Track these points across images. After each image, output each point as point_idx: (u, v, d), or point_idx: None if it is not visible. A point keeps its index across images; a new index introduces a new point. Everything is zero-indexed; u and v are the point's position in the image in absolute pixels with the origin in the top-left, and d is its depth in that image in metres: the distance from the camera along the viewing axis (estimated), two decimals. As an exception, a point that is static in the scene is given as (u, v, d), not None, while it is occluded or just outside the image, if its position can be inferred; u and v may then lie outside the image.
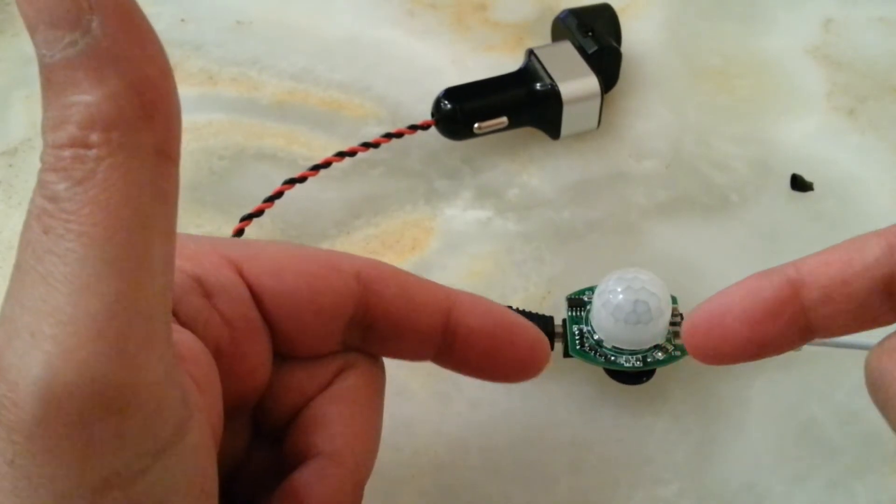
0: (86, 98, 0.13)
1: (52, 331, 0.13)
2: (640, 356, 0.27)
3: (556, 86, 0.34)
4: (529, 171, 0.36)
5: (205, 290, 0.18)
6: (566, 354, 0.28)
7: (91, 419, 0.13)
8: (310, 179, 0.33)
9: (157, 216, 0.14)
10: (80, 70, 0.13)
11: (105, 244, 0.13)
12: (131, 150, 0.14)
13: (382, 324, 0.20)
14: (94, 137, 0.13)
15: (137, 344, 0.14)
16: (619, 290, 0.27)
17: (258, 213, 0.32)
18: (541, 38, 0.40)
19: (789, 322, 0.19)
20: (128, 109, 0.14)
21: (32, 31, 0.14)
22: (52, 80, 0.14)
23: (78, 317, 0.13)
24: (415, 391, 0.29)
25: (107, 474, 0.14)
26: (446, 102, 0.34)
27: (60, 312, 0.13)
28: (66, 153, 0.13)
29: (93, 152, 0.13)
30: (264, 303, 0.19)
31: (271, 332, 0.20)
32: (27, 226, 0.14)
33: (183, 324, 0.18)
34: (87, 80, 0.13)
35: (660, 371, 0.28)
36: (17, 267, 0.14)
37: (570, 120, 0.35)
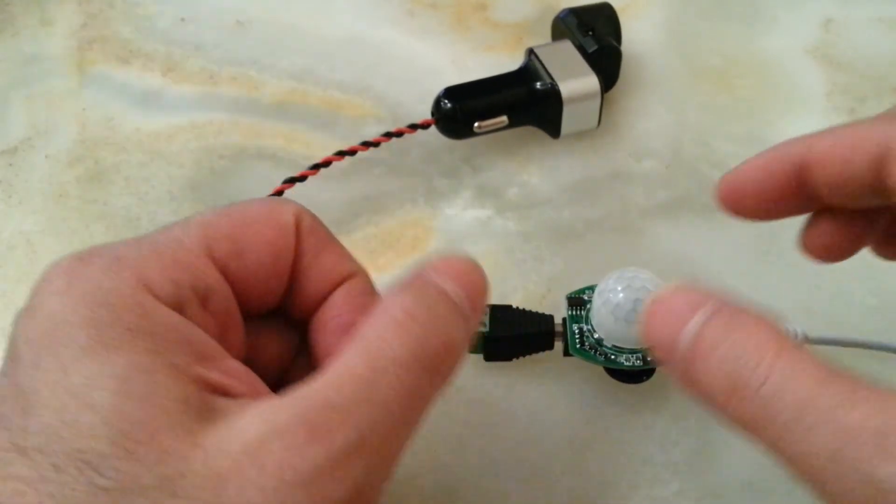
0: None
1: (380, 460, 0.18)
2: (640, 355, 0.27)
3: (557, 85, 0.34)
4: (529, 170, 0.36)
5: (199, 297, 0.20)
6: (566, 353, 0.28)
7: None
8: (310, 179, 0.33)
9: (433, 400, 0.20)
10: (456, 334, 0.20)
11: (406, 417, 0.19)
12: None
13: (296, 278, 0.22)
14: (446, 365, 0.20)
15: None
16: (619, 288, 0.27)
17: (258, 212, 0.32)
18: (541, 38, 0.40)
19: (794, 199, 0.22)
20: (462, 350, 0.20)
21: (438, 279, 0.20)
22: (432, 323, 0.19)
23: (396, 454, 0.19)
24: (415, 391, 0.29)
25: None
26: (446, 101, 0.34)
27: (384, 449, 0.18)
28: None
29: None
30: (234, 285, 0.21)
31: (238, 304, 0.21)
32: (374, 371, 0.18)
33: None
34: (456, 335, 0.20)
35: (660, 370, 0.28)
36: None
37: (570, 119, 0.35)
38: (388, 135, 0.34)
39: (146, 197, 0.36)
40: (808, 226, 0.24)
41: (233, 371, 0.19)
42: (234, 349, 0.21)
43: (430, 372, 0.19)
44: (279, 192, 0.32)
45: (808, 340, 0.28)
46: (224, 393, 0.18)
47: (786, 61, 0.40)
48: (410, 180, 0.36)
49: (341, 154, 0.34)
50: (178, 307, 0.19)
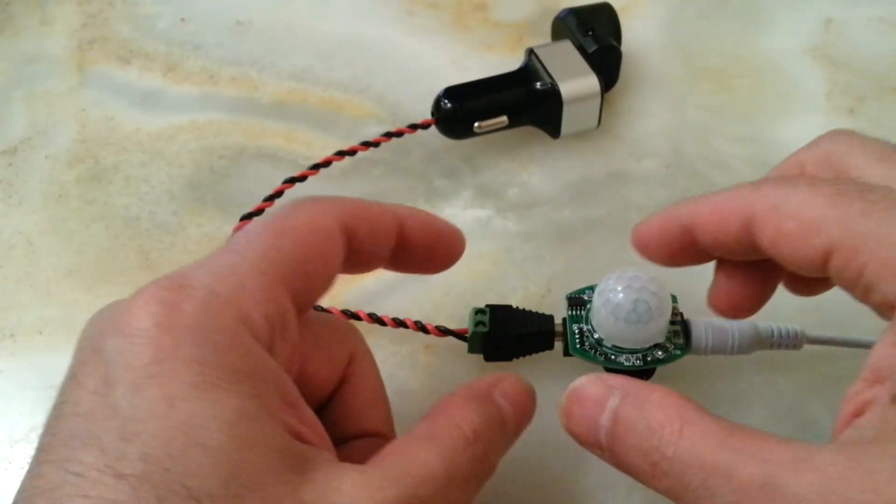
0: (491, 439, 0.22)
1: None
2: (639, 355, 0.27)
3: (557, 85, 0.34)
4: (529, 170, 0.36)
5: (280, 332, 0.21)
6: (566, 353, 0.28)
7: None
8: (310, 179, 0.33)
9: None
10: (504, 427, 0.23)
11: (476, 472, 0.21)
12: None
13: (354, 250, 0.23)
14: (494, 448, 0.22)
15: None
16: (619, 289, 0.27)
17: (258, 212, 0.32)
18: (541, 38, 0.40)
19: (689, 253, 0.24)
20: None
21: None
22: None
23: None
24: (415, 392, 0.29)
25: None
26: (446, 101, 0.34)
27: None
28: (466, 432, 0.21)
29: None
30: (295, 304, 0.21)
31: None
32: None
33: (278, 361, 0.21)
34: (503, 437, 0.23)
35: (660, 370, 0.28)
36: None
37: (570, 119, 0.35)
38: (388, 135, 0.34)
39: (146, 197, 0.36)
40: (712, 284, 0.25)
41: (308, 419, 0.20)
42: (293, 373, 0.22)
43: (479, 483, 0.22)
44: (279, 193, 0.32)
45: (808, 340, 0.28)
46: (303, 441, 0.19)
47: (786, 61, 0.40)
48: (410, 180, 0.36)
49: (341, 154, 0.34)
50: (270, 346, 0.20)
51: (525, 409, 0.24)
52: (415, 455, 0.20)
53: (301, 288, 0.21)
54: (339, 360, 0.24)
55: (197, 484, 0.17)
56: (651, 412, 0.20)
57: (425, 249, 0.25)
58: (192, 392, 0.18)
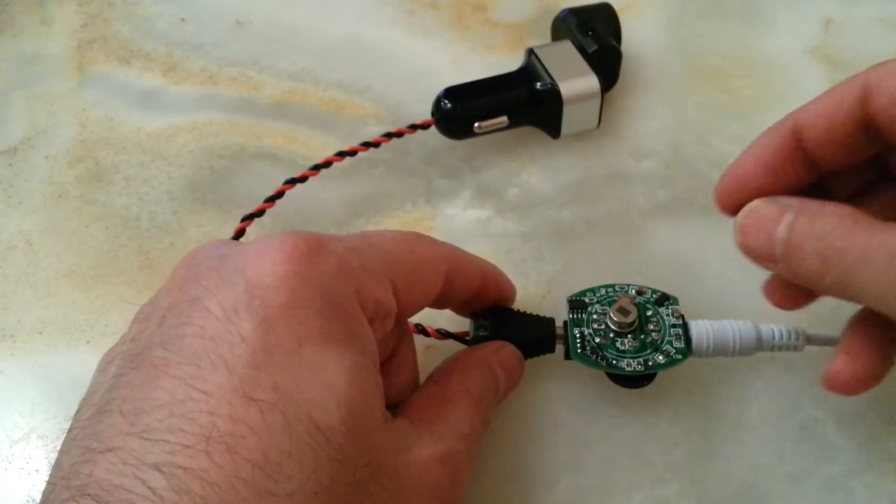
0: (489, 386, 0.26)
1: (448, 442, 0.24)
2: (641, 360, 0.27)
3: (557, 85, 0.34)
4: (529, 170, 0.36)
5: (382, 317, 0.23)
6: (567, 357, 0.28)
7: None
8: (310, 179, 0.33)
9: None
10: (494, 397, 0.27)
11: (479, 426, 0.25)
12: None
13: (443, 292, 0.26)
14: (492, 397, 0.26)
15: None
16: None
17: (259, 212, 0.32)
18: (541, 38, 0.40)
19: (797, 163, 0.24)
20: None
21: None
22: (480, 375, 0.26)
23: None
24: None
25: None
26: (446, 102, 0.34)
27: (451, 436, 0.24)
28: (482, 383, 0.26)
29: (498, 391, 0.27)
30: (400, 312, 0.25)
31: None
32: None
33: (387, 342, 0.25)
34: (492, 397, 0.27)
35: (661, 374, 0.28)
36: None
37: (571, 119, 0.35)
38: (389, 135, 0.34)
39: (146, 197, 0.36)
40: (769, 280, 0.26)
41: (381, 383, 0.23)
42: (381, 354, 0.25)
43: (482, 439, 0.25)
44: (280, 193, 0.32)
45: (809, 341, 0.28)
46: None
47: (786, 61, 0.40)
48: (410, 180, 0.36)
49: (341, 154, 0.34)
50: (370, 322, 0.22)
51: (514, 378, 0.27)
52: (450, 417, 0.24)
53: (402, 300, 0.24)
54: (395, 337, 0.26)
55: (320, 417, 0.19)
56: (826, 219, 0.22)
57: (490, 301, 0.28)
58: (319, 339, 0.20)
